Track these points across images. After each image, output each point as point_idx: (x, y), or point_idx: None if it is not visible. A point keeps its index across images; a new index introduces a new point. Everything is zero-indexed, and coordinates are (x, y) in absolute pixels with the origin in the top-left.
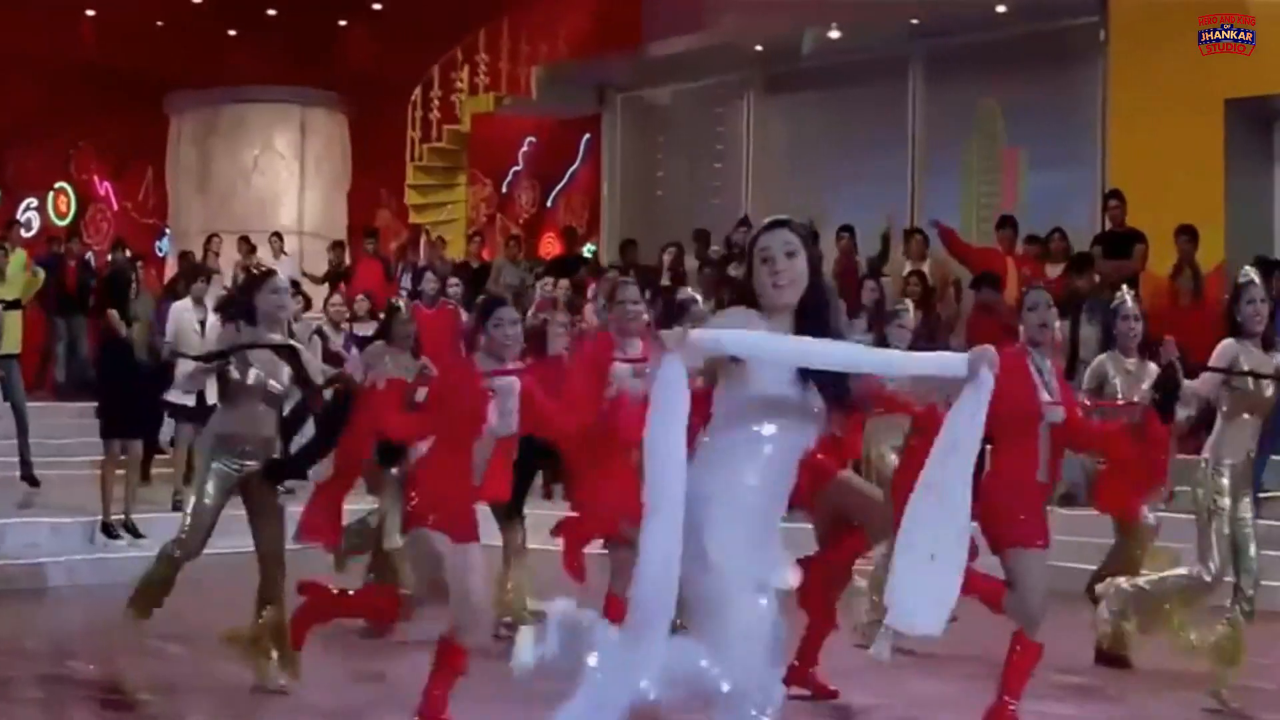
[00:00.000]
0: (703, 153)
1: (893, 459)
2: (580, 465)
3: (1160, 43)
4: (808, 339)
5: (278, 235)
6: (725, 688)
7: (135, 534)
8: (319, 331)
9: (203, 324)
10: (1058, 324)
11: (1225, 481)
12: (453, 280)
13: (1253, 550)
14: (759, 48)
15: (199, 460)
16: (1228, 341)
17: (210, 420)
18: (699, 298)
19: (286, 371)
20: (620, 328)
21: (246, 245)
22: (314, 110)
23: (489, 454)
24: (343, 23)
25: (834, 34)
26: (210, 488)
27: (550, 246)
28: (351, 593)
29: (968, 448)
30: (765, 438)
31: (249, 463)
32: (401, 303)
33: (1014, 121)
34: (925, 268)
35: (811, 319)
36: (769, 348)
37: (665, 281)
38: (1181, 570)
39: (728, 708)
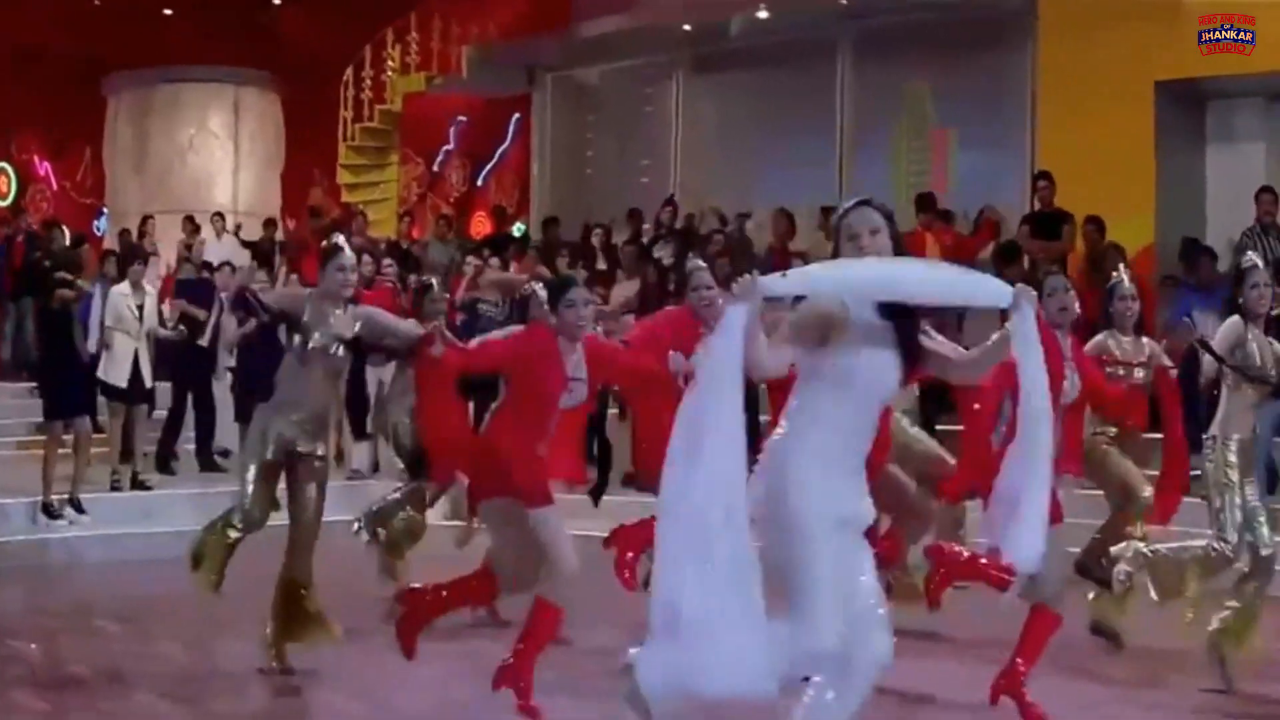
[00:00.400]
0: (631, 132)
1: (905, 423)
2: (657, 427)
3: (1091, 25)
4: (864, 262)
5: (220, 215)
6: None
7: (80, 510)
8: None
9: (140, 308)
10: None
11: (1233, 457)
12: (387, 261)
13: (1265, 532)
14: (687, 28)
15: (256, 429)
16: (1234, 320)
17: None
18: (703, 264)
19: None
20: (699, 313)
21: (191, 225)
22: (247, 89)
23: (553, 431)
24: (276, 1)
25: (762, 14)
26: (268, 456)
27: (481, 225)
28: (446, 585)
29: (1040, 379)
30: (843, 395)
31: (305, 436)
32: (434, 280)
33: (943, 103)
34: None
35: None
36: (831, 275)
37: (601, 265)
38: (1199, 543)
39: (831, 668)
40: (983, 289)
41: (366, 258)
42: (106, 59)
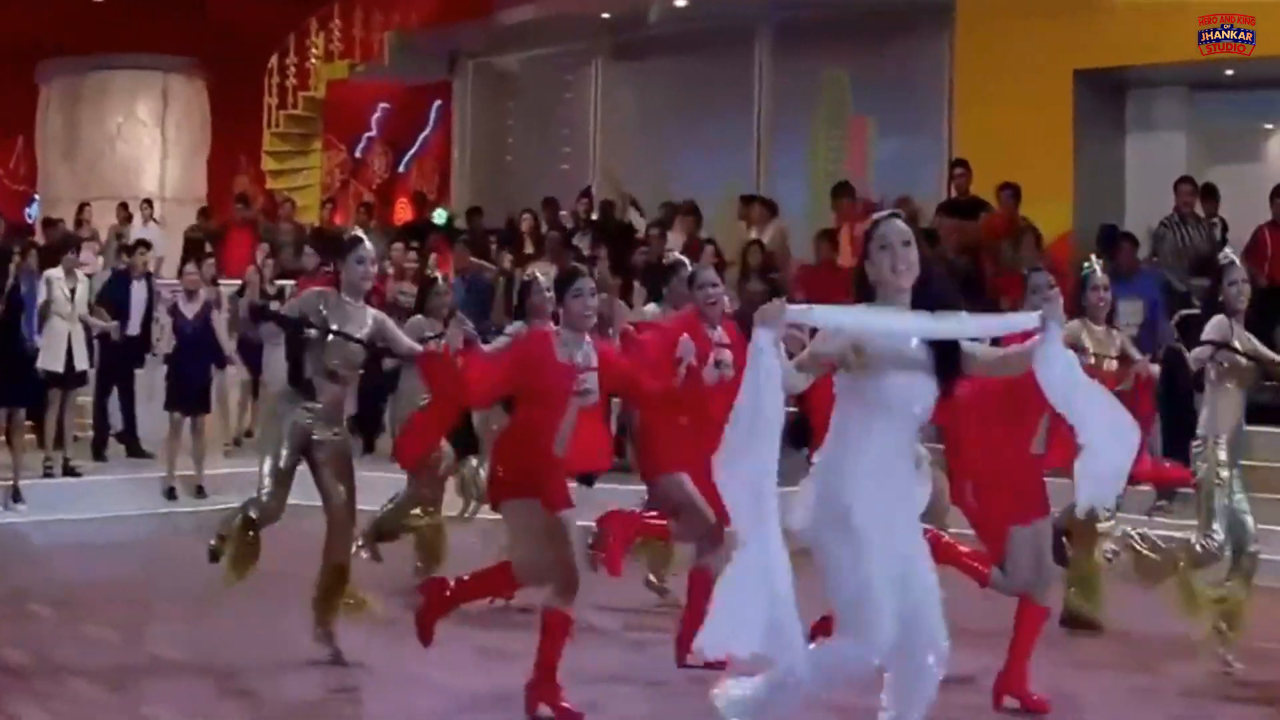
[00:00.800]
0: (551, 119)
1: None
2: (658, 429)
3: (1009, 14)
4: (891, 311)
5: (149, 202)
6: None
7: (18, 500)
8: (174, 307)
9: (73, 292)
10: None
11: (1224, 455)
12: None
13: (1250, 522)
14: (607, 15)
15: (269, 420)
16: (1219, 318)
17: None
18: (686, 260)
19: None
20: (702, 312)
21: (124, 212)
22: (175, 77)
23: (573, 423)
24: None
25: (681, 2)
26: (285, 447)
27: (402, 212)
28: (467, 577)
29: (1079, 378)
30: (879, 414)
31: (320, 423)
32: (439, 275)
33: (862, 91)
34: (765, 235)
35: (925, 301)
36: (855, 320)
37: (528, 249)
38: (1189, 536)
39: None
40: (1010, 322)
41: (307, 248)
42: (39, 47)
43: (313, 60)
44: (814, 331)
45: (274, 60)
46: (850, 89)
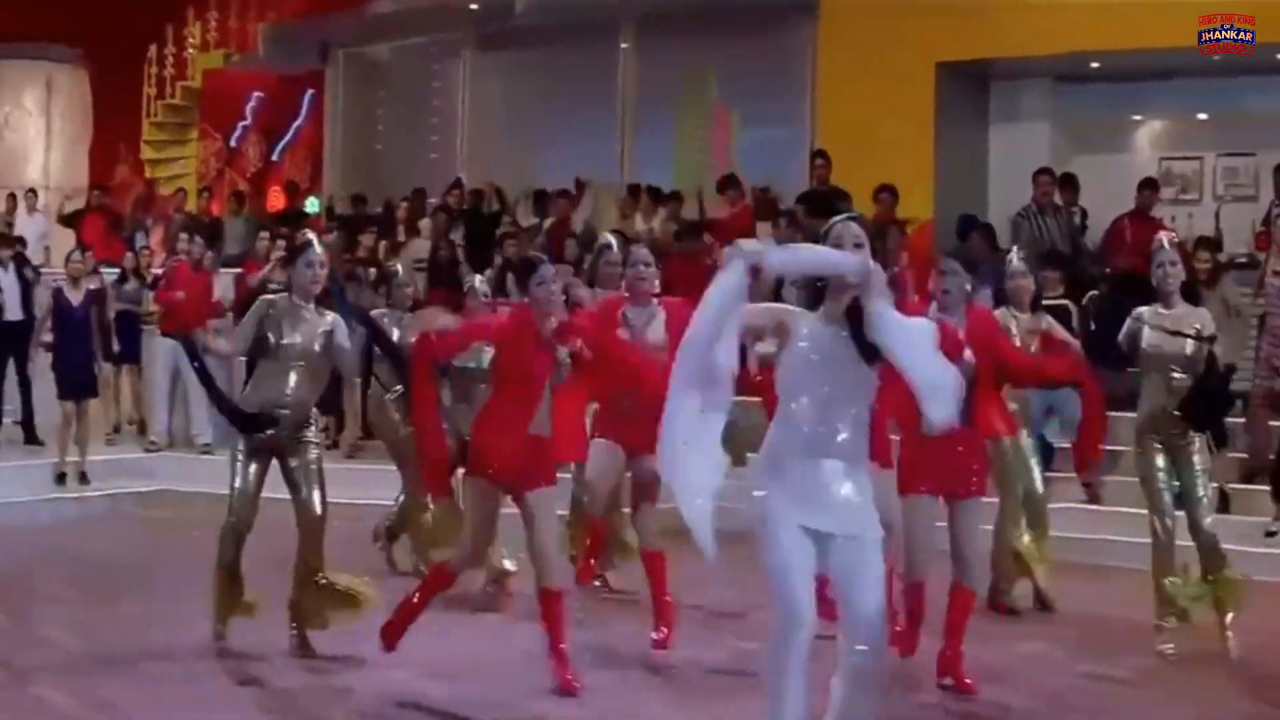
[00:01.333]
0: (420, 109)
1: None
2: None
3: (871, 7)
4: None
5: (33, 191)
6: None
7: None
8: (58, 293)
9: None
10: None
11: (1151, 443)
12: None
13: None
14: (474, 6)
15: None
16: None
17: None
18: (614, 242)
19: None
20: (631, 289)
21: (11, 202)
22: (60, 67)
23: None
24: None
25: None
26: (242, 456)
27: (275, 200)
28: (413, 595)
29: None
30: (806, 387)
31: (286, 427)
32: (399, 266)
33: (726, 82)
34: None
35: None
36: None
37: (400, 236)
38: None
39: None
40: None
41: (198, 238)
42: None
43: (190, 50)
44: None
45: (153, 50)
46: (714, 80)
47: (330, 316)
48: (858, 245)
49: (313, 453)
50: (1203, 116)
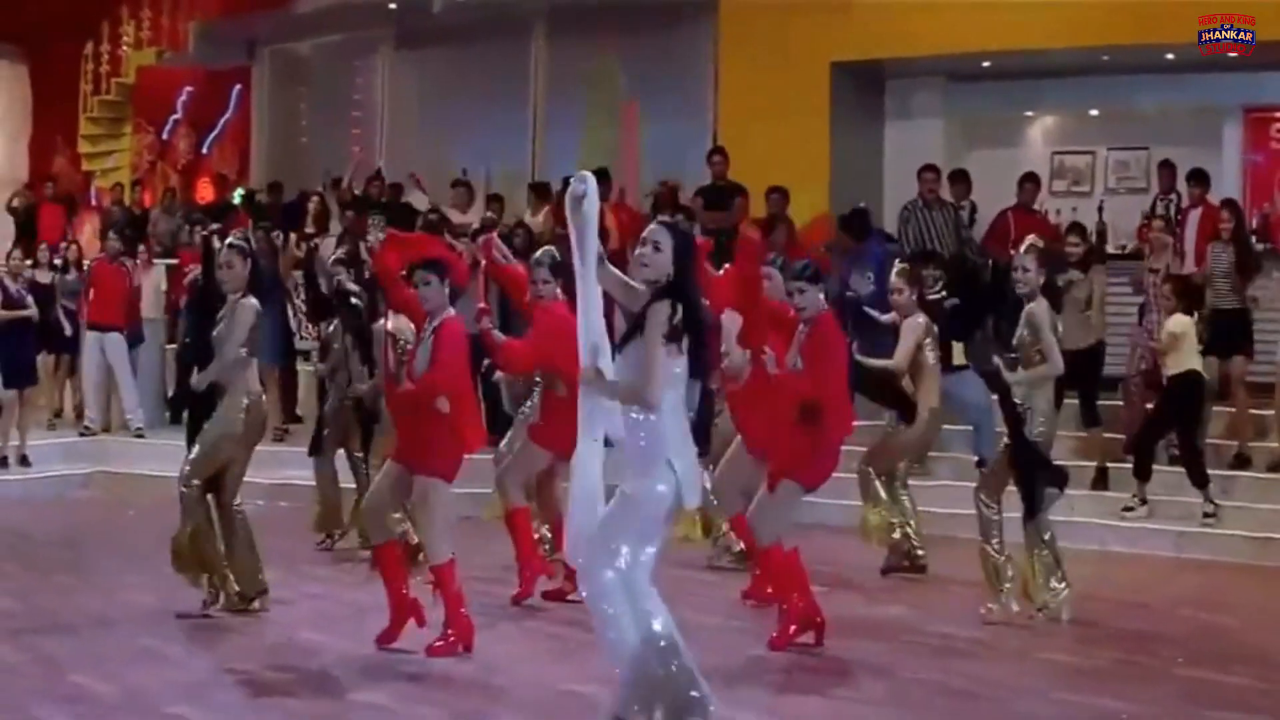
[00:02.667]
0: (342, 103)
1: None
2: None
3: (767, 7)
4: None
5: None
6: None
7: None
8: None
9: None
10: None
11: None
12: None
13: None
14: (393, 5)
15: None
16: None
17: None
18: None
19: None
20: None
21: None
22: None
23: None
24: None
25: None
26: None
27: (204, 191)
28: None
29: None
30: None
31: None
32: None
33: (633, 76)
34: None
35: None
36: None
37: (309, 228)
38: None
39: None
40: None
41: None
42: None
43: (124, 48)
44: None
45: (89, 47)
46: (621, 75)
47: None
48: (656, 248)
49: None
50: (1094, 112)
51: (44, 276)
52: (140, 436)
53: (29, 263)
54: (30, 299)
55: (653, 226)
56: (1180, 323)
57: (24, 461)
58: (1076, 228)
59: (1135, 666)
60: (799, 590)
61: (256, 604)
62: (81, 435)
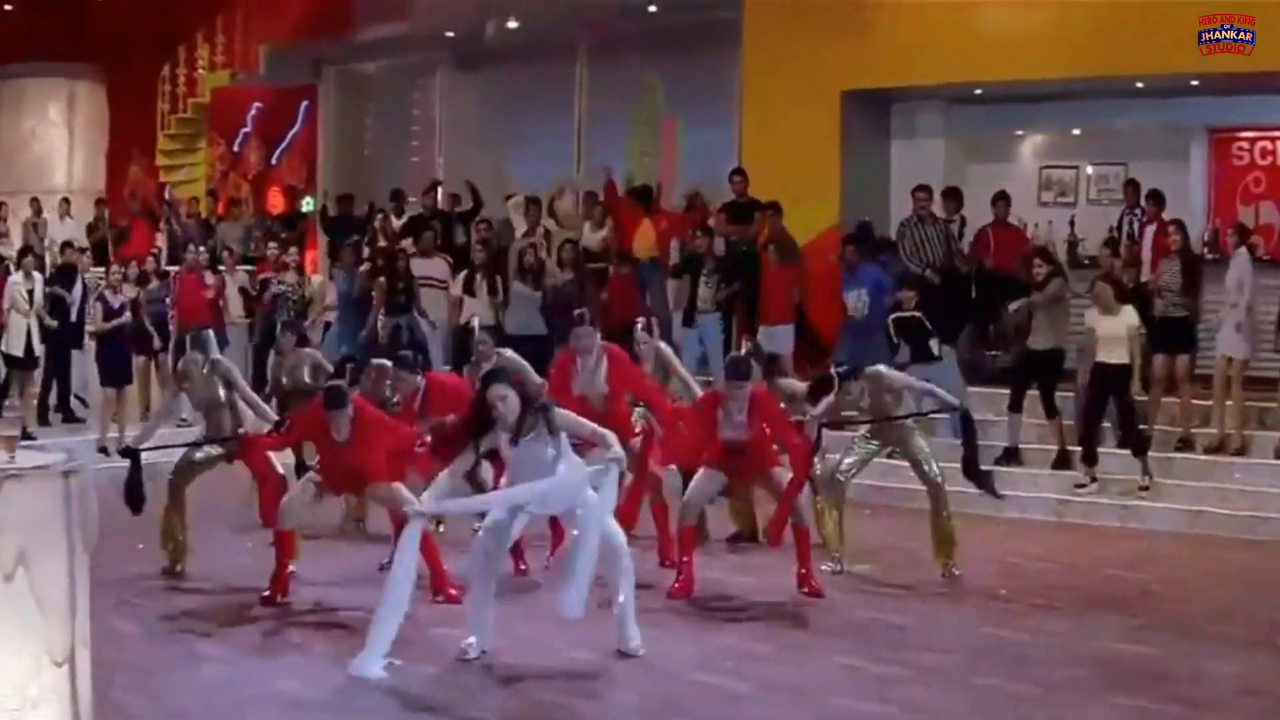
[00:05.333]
0: (403, 119)
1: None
2: None
3: (788, 38)
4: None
5: (66, 200)
6: None
7: None
8: (101, 296)
9: (30, 292)
10: None
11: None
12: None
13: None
14: (450, 34)
15: None
16: None
17: None
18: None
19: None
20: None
21: (36, 206)
22: (80, 83)
23: None
24: None
25: (512, 24)
26: None
27: (275, 200)
28: None
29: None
30: None
31: None
32: (475, 324)
33: (672, 94)
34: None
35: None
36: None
37: (382, 242)
38: None
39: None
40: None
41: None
42: None
43: (200, 70)
44: None
45: (166, 69)
46: (661, 92)
47: None
48: (503, 399)
49: None
50: (1076, 131)
51: (129, 290)
52: None
53: (120, 275)
54: (128, 310)
55: (494, 389)
56: (1097, 320)
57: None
58: (1042, 251)
59: (1051, 610)
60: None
61: None
62: (178, 427)
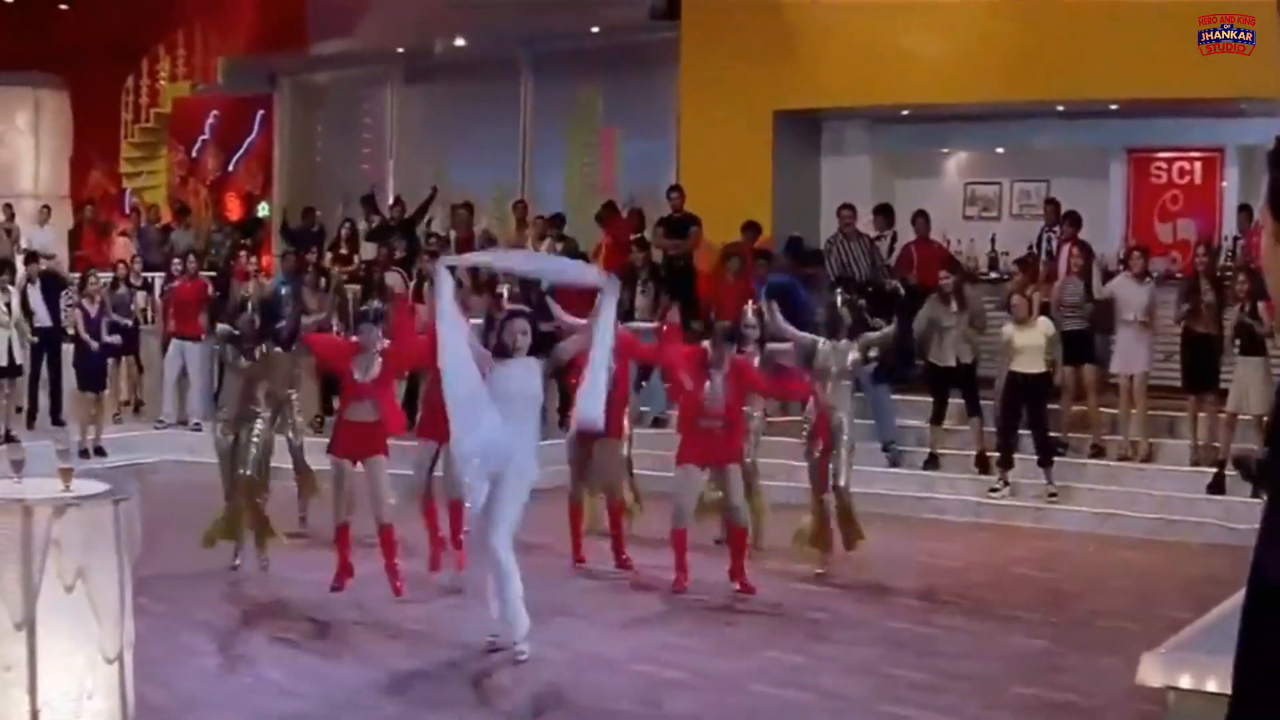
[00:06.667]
0: (354, 129)
1: None
2: None
3: (723, 61)
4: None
5: (47, 207)
6: None
7: None
8: (79, 304)
9: (9, 305)
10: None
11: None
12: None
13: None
14: (400, 50)
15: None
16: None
17: None
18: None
19: None
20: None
21: (8, 211)
22: (45, 91)
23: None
24: (63, 6)
25: (460, 42)
26: None
27: (232, 205)
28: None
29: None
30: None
31: None
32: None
33: (611, 106)
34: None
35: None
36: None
37: (343, 250)
38: None
39: None
40: (577, 269)
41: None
42: None
43: (161, 81)
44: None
45: (129, 81)
46: (601, 105)
47: None
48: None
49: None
50: (1000, 150)
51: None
52: (197, 429)
53: (98, 283)
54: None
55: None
56: (1013, 331)
57: (99, 452)
58: (948, 260)
59: (962, 606)
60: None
61: None
62: (156, 429)
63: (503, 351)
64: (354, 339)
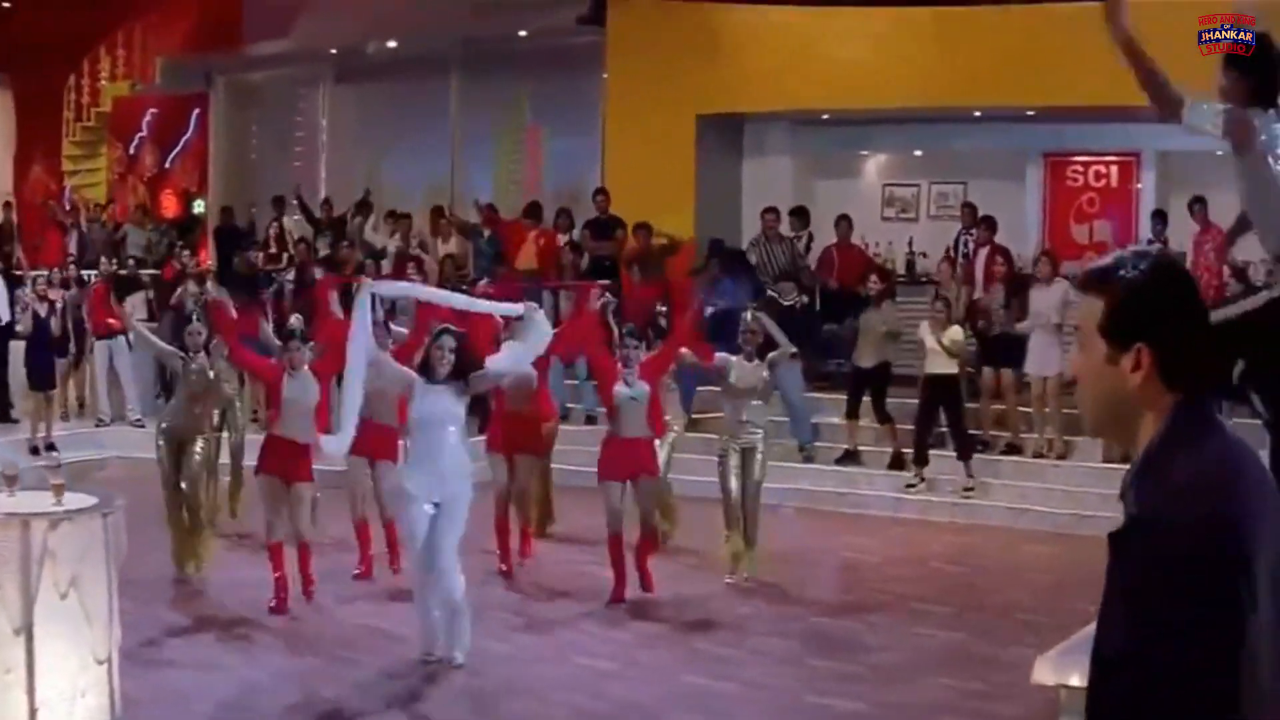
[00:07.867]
0: (287, 128)
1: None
2: None
3: (648, 64)
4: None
5: (8, 204)
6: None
7: None
8: (26, 304)
9: None
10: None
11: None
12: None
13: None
14: (333, 50)
15: None
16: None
17: None
18: None
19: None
20: None
21: None
22: None
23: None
24: (6, 4)
25: (392, 43)
26: None
27: (169, 203)
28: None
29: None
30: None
31: None
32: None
33: (538, 104)
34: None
35: None
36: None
37: (272, 249)
38: None
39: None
40: (498, 309)
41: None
42: None
43: (102, 81)
44: None
45: (71, 80)
46: (528, 105)
47: None
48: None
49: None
50: (918, 153)
51: (55, 295)
52: (140, 426)
53: (46, 281)
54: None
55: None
56: (928, 334)
57: (50, 448)
58: (879, 270)
59: (881, 600)
60: None
61: None
62: (97, 426)
63: (427, 372)
64: (280, 360)
